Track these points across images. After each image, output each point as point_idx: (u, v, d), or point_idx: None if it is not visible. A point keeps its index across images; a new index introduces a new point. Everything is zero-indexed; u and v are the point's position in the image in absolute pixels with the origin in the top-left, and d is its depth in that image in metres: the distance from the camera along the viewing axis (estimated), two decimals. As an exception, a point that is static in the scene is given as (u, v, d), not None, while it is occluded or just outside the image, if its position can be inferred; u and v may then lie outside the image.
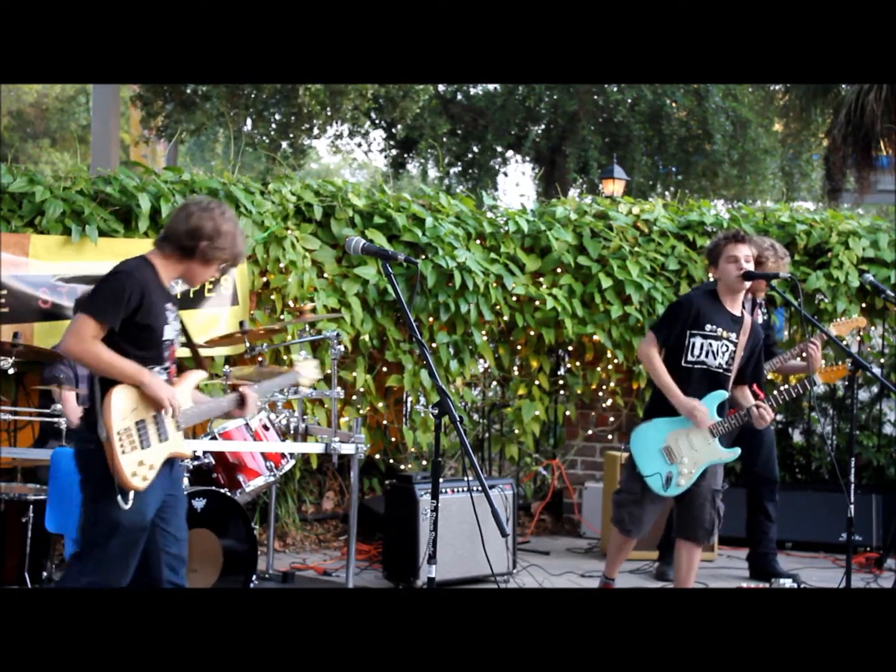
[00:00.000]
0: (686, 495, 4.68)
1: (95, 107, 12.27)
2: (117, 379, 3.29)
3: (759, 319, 5.61)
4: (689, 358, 4.67)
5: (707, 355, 4.66)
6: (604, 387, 7.02)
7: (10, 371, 4.73)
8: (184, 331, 3.64)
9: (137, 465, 3.28)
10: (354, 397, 6.26)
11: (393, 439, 6.66)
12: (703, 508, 4.68)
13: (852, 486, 4.49)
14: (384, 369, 6.44)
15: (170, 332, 3.46)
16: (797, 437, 7.72)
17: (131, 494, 3.26)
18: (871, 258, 6.90)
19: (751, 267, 4.69)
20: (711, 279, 5.00)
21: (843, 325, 5.71)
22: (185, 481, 4.44)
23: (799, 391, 4.92)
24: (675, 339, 4.67)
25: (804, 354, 5.55)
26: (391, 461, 6.78)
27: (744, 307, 4.90)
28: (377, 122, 15.80)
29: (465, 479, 5.28)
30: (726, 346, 4.66)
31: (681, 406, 4.59)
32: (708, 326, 4.65)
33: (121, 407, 3.28)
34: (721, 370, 4.67)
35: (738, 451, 4.72)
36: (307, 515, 6.55)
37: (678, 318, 4.69)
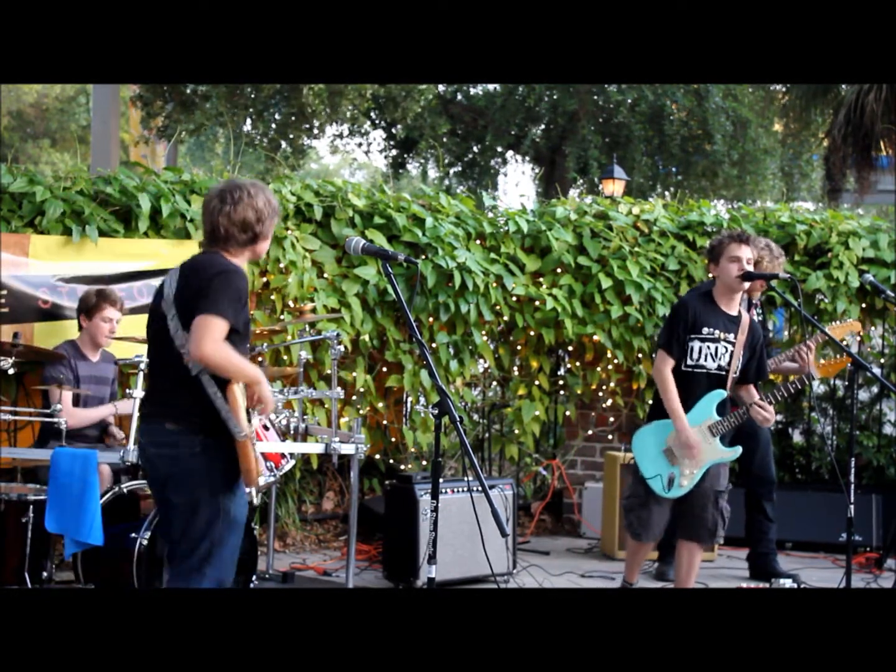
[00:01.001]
0: (688, 496, 4.68)
1: (95, 107, 12.28)
2: (238, 379, 3.29)
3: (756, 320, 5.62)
4: (689, 362, 4.67)
5: (706, 358, 4.66)
6: (604, 387, 7.02)
7: (10, 371, 4.73)
8: None
9: (259, 461, 3.40)
10: (354, 397, 6.26)
11: (393, 439, 6.66)
12: (705, 509, 4.68)
13: (852, 486, 4.49)
14: (384, 369, 6.44)
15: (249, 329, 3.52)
16: (797, 437, 7.72)
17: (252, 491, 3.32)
18: (871, 258, 6.90)
19: (751, 269, 4.70)
20: (711, 279, 5.00)
21: (837, 328, 5.68)
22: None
23: (797, 387, 4.91)
24: (682, 346, 4.68)
25: (798, 355, 5.54)
26: (391, 461, 6.78)
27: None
28: (377, 122, 15.81)
29: (465, 479, 5.28)
30: (725, 347, 4.66)
31: (681, 433, 4.60)
32: (705, 329, 4.65)
33: (241, 406, 3.29)
34: (722, 372, 4.67)
35: (739, 449, 4.72)
36: (307, 515, 6.55)
37: (678, 323, 4.69)
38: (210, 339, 3.21)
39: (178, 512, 3.38)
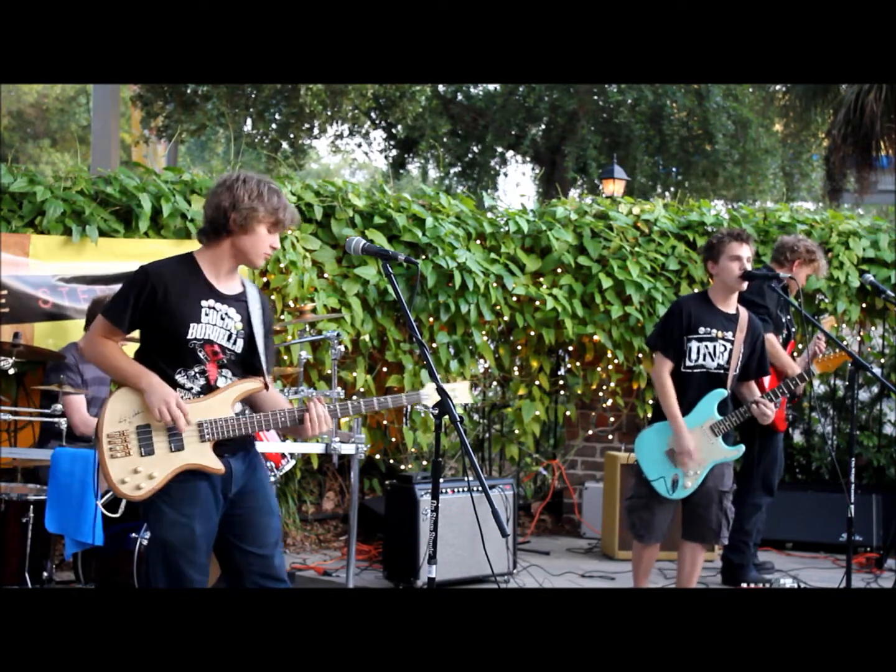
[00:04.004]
0: (692, 496, 4.69)
1: (95, 107, 12.27)
2: (121, 381, 3.17)
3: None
4: (688, 363, 4.67)
5: (704, 358, 4.66)
6: (604, 387, 7.02)
7: (11, 371, 4.73)
8: (249, 332, 3.29)
9: (130, 473, 3.09)
10: (354, 397, 6.27)
11: (393, 439, 6.66)
12: (708, 509, 4.69)
13: (852, 486, 4.50)
14: (384, 369, 6.44)
15: (203, 331, 3.18)
16: (797, 437, 7.73)
17: (122, 503, 3.07)
18: (871, 258, 6.90)
19: (749, 268, 4.70)
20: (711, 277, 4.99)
21: (826, 361, 5.67)
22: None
23: (797, 383, 4.91)
24: (677, 348, 4.68)
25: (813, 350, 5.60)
26: (391, 461, 6.78)
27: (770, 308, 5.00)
28: (377, 122, 15.80)
29: (466, 479, 5.28)
30: (724, 345, 4.67)
31: (679, 440, 4.60)
32: (701, 329, 4.66)
33: (120, 409, 3.11)
34: (721, 370, 4.67)
35: (742, 448, 4.72)
36: (307, 515, 6.55)
37: (673, 326, 4.70)
38: (85, 334, 3.34)
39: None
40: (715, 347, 4.66)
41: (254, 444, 3.39)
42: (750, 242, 4.72)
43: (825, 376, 7.53)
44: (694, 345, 4.66)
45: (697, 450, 4.59)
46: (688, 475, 4.64)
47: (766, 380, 5.19)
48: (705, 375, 4.67)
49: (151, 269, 3.18)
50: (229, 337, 3.24)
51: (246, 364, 3.31)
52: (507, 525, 5.39)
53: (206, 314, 3.19)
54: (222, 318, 3.22)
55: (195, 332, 3.17)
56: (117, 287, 5.29)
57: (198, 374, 3.19)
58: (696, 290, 6.49)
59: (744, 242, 4.67)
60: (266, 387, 3.31)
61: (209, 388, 3.21)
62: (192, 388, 3.19)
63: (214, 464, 3.18)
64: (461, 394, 3.48)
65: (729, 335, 4.67)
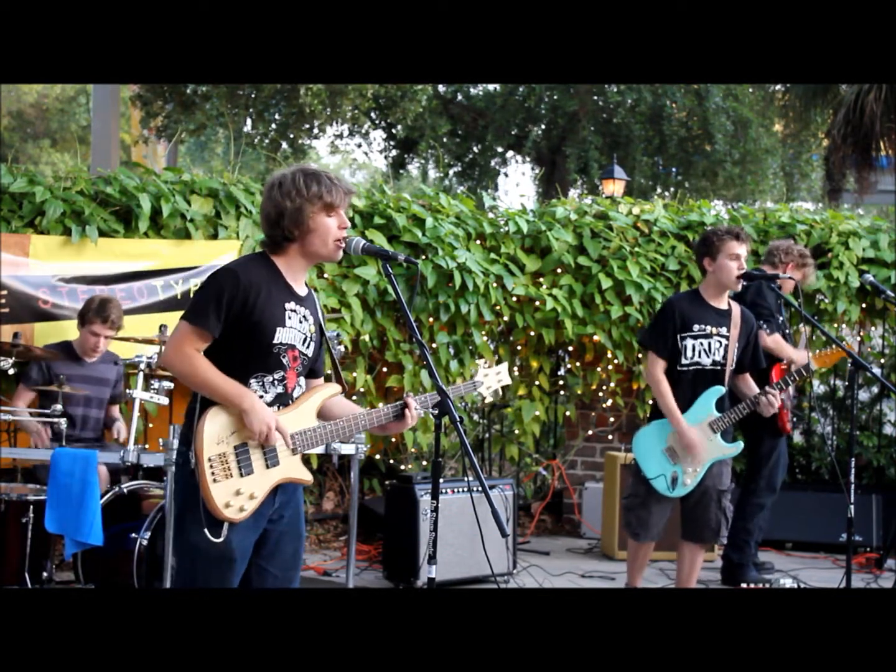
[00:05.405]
0: (691, 496, 4.69)
1: (95, 107, 12.27)
2: (216, 399, 2.90)
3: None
4: (684, 361, 4.68)
5: (700, 355, 4.67)
6: (604, 387, 7.02)
7: (10, 371, 4.73)
8: (319, 335, 3.13)
9: (233, 496, 2.89)
10: (354, 397, 6.26)
11: (393, 439, 6.66)
12: (707, 509, 4.69)
13: (852, 486, 4.50)
14: (384, 370, 6.44)
15: (287, 335, 2.97)
16: (797, 437, 7.73)
17: (224, 527, 2.88)
18: (871, 258, 6.91)
19: (745, 267, 4.71)
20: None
21: (823, 356, 5.73)
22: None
23: (795, 378, 4.91)
24: (671, 347, 4.69)
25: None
26: (391, 461, 6.78)
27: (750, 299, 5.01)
28: (377, 122, 15.80)
29: (466, 479, 5.27)
30: (719, 341, 4.67)
31: (682, 435, 4.60)
32: (696, 327, 4.66)
33: (216, 431, 2.89)
34: (717, 367, 4.68)
35: (740, 445, 4.72)
36: (307, 516, 6.55)
37: (666, 325, 4.69)
38: (170, 344, 2.95)
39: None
40: (710, 344, 4.66)
41: None
42: (747, 241, 4.72)
43: (825, 376, 7.53)
44: (689, 342, 4.66)
45: (701, 442, 4.59)
46: (687, 472, 4.63)
47: (775, 374, 5.27)
48: (701, 372, 4.67)
49: (240, 269, 2.93)
50: (304, 340, 3.06)
51: (311, 368, 3.16)
52: (507, 525, 5.39)
53: (289, 317, 2.99)
54: (300, 322, 3.03)
55: (281, 336, 2.96)
56: (117, 287, 5.39)
57: (276, 381, 2.99)
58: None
59: (742, 241, 4.67)
60: (344, 390, 3.19)
61: (284, 397, 3.02)
62: (263, 397, 2.96)
63: (305, 475, 3.08)
64: (504, 376, 3.68)
65: (724, 331, 4.68)
